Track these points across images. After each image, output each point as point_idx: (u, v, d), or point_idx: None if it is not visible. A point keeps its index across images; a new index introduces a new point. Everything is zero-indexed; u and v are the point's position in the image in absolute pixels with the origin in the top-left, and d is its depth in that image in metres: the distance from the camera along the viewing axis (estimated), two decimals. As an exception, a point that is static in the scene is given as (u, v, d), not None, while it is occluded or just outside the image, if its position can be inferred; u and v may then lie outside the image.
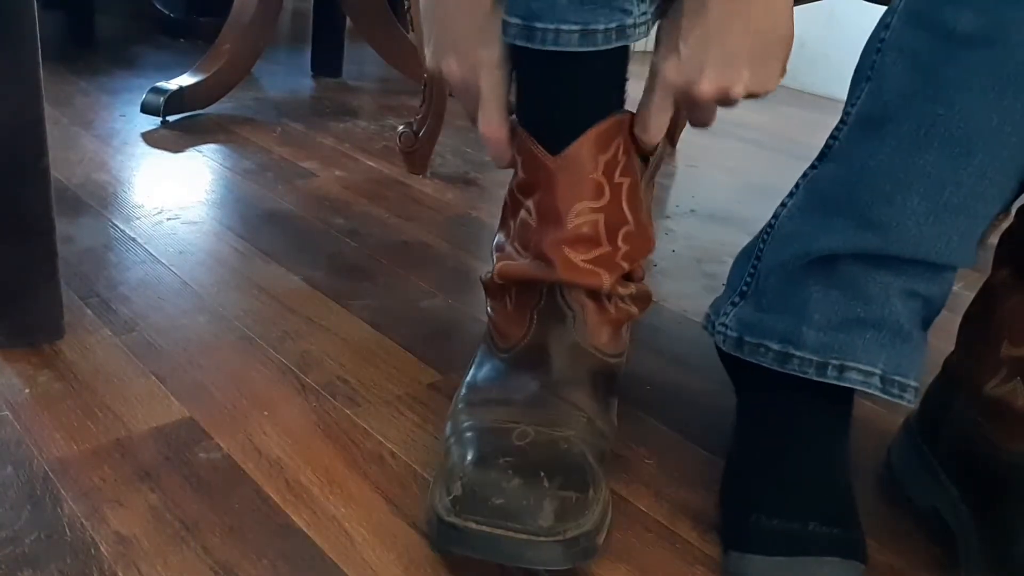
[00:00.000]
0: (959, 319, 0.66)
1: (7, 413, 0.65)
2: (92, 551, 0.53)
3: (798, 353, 0.62)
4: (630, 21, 0.59)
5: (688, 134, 1.68)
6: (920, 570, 0.61)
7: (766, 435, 0.64)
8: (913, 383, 0.61)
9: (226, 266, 0.93)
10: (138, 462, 0.61)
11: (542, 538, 0.51)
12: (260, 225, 1.05)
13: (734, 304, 0.68)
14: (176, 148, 1.30)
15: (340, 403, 0.71)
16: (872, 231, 0.59)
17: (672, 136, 1.66)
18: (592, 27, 0.58)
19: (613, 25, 0.58)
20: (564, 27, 0.57)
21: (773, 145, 1.82)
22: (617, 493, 0.64)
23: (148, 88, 1.41)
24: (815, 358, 0.62)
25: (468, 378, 0.66)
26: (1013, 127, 0.55)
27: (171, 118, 1.41)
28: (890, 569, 0.61)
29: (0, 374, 0.69)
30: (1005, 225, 0.63)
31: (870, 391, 0.61)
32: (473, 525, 0.51)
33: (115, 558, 0.53)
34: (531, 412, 0.60)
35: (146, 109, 1.39)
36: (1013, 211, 0.63)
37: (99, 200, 1.06)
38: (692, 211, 1.30)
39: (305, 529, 0.57)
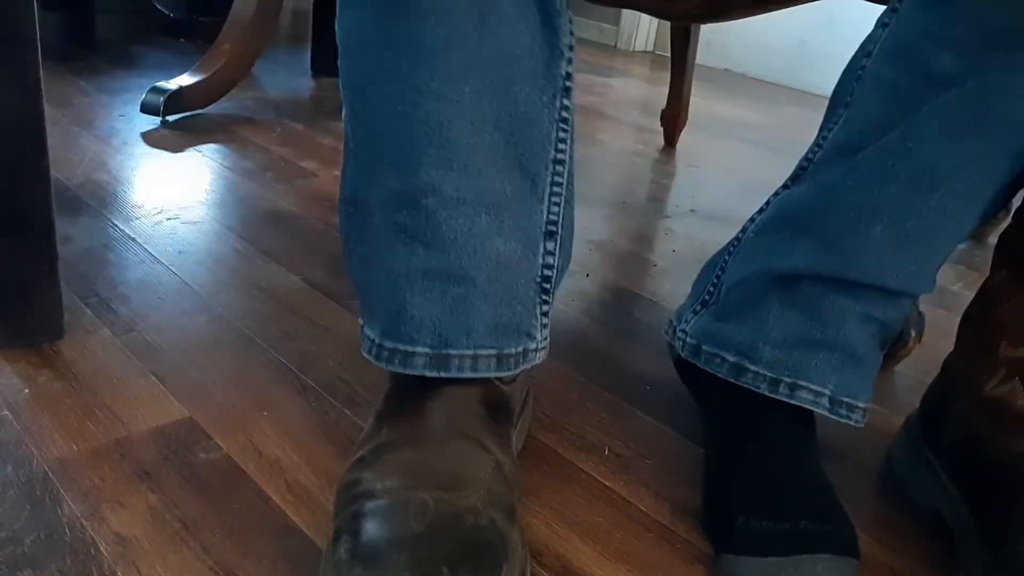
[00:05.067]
0: (959, 319, 0.66)
1: (7, 413, 0.65)
2: (92, 551, 0.53)
3: (752, 367, 0.64)
4: (532, 346, 0.58)
5: (688, 134, 1.68)
6: (920, 570, 0.61)
7: (737, 440, 0.64)
8: (861, 404, 0.63)
9: (226, 266, 0.93)
10: (138, 462, 0.61)
11: None
12: (260, 225, 1.05)
13: (695, 312, 0.70)
14: (176, 148, 1.30)
15: (340, 403, 0.71)
16: (835, 255, 0.60)
17: (672, 136, 1.66)
18: (506, 351, 0.56)
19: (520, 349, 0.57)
20: (482, 352, 0.55)
21: (773, 145, 1.82)
22: (617, 493, 0.64)
23: (148, 88, 1.41)
24: (768, 374, 0.63)
25: (373, 416, 0.59)
26: (975, 166, 0.56)
27: (171, 118, 1.41)
28: (890, 569, 0.61)
29: (0, 374, 0.69)
30: (1004, 226, 0.63)
31: (818, 410, 0.63)
32: None
33: (115, 558, 0.53)
34: (431, 466, 0.52)
35: (146, 109, 1.40)
36: (1012, 210, 0.63)
37: (99, 200, 1.06)
38: (692, 211, 1.31)
39: (305, 529, 0.57)
